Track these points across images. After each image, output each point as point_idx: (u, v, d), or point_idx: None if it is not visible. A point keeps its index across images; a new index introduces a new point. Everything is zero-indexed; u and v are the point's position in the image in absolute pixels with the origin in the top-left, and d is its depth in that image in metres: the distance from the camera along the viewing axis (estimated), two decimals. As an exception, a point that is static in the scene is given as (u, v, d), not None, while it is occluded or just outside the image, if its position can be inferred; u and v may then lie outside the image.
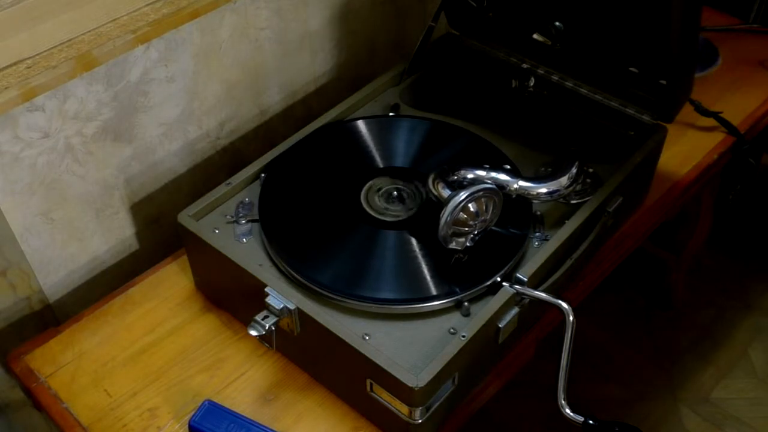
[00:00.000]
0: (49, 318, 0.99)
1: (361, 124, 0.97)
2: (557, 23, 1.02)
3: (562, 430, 1.32)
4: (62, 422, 0.80)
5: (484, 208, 0.78)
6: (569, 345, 0.76)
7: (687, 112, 1.10)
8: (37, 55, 0.80)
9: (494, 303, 0.76)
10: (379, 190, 0.89)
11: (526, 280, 0.78)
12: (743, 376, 1.47)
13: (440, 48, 1.11)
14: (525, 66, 1.04)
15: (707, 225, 1.43)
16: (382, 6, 1.22)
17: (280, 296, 0.77)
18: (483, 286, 0.79)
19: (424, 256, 0.82)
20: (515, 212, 0.85)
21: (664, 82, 0.94)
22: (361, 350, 0.72)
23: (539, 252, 0.81)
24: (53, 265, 0.96)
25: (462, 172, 0.83)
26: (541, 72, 1.04)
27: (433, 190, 0.82)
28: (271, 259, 0.83)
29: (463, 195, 0.77)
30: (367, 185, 0.90)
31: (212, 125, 1.06)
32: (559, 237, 0.82)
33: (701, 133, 1.12)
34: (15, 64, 0.79)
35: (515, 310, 0.79)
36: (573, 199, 0.89)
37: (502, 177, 0.83)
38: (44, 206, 0.91)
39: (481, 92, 1.07)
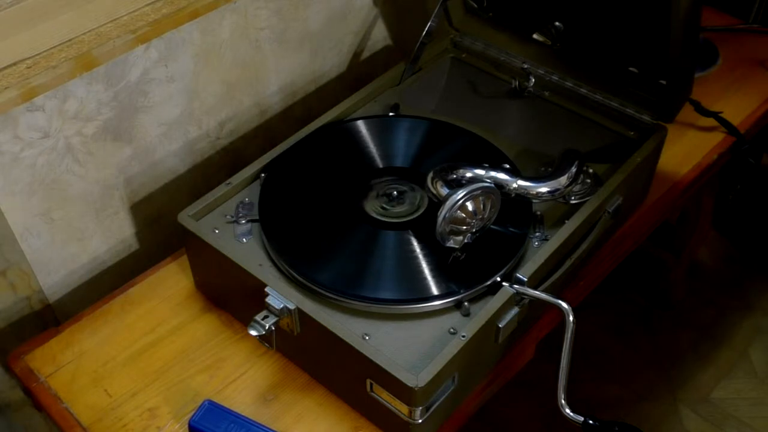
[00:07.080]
0: (49, 318, 0.99)
1: (361, 124, 0.97)
2: (557, 23, 1.02)
3: (562, 430, 1.32)
4: (62, 422, 0.80)
5: (481, 207, 0.78)
6: (569, 345, 0.76)
7: (687, 112, 1.10)
8: (37, 55, 0.80)
9: (494, 303, 0.76)
10: (379, 190, 0.89)
11: (526, 280, 0.78)
12: (743, 376, 1.47)
13: (440, 48, 1.11)
14: (525, 66, 1.04)
15: (707, 225, 1.43)
16: (382, 6, 1.22)
17: (280, 296, 0.77)
18: (483, 286, 0.79)
19: (424, 256, 0.82)
20: (515, 212, 0.85)
21: (664, 82, 0.94)
22: (361, 350, 0.72)
23: (539, 252, 0.81)
24: (53, 265, 0.96)
25: (461, 170, 0.82)
26: (541, 72, 1.04)
27: (432, 189, 0.82)
28: (271, 259, 0.83)
29: (460, 193, 0.76)
30: (367, 185, 0.89)
31: (212, 125, 1.06)
32: (559, 237, 0.82)
33: (701, 133, 1.12)
34: (15, 64, 0.79)
35: (515, 310, 0.79)
36: (573, 199, 0.89)
37: (502, 176, 0.83)
38: (44, 206, 0.91)
39: (480, 92, 1.07)
